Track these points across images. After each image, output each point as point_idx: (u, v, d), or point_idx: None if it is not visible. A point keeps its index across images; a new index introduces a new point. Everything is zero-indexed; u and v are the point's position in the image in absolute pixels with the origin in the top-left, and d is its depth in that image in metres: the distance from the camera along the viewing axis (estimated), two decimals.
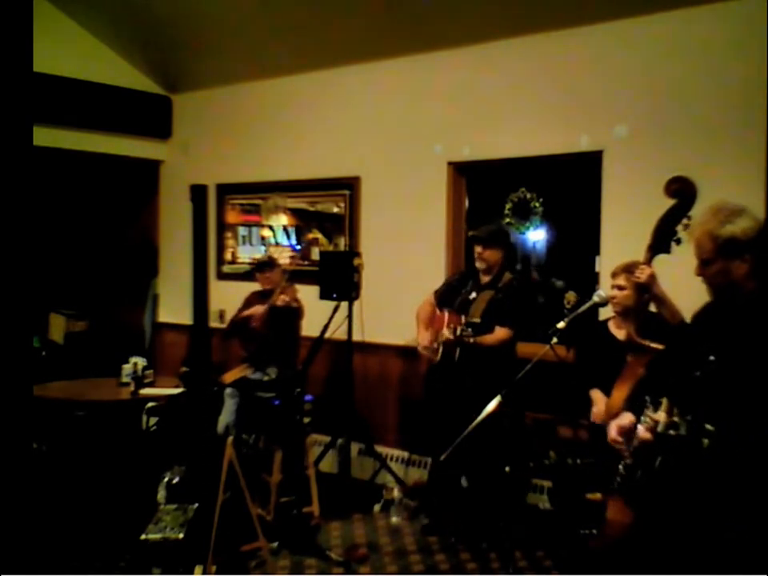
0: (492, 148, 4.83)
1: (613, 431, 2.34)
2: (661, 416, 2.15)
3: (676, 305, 3.24)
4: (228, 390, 4.81)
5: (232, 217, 6.32)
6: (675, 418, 2.11)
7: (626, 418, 2.31)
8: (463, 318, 4.07)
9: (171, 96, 6.55)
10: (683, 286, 3.47)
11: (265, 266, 5.16)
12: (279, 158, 5.88)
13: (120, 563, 3.57)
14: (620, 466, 2.33)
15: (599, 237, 4.42)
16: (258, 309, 4.99)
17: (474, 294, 4.21)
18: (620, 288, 3.55)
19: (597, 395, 3.57)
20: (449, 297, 4.33)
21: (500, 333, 4.07)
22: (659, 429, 2.14)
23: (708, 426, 2.03)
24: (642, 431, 2.22)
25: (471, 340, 3.96)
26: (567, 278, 6.17)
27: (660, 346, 2.89)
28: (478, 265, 4.23)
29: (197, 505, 3.34)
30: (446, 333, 4.03)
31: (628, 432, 2.28)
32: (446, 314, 4.18)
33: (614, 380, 2.95)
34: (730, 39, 3.96)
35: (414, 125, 5.16)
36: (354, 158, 5.47)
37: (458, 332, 3.94)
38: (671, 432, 2.11)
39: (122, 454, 4.65)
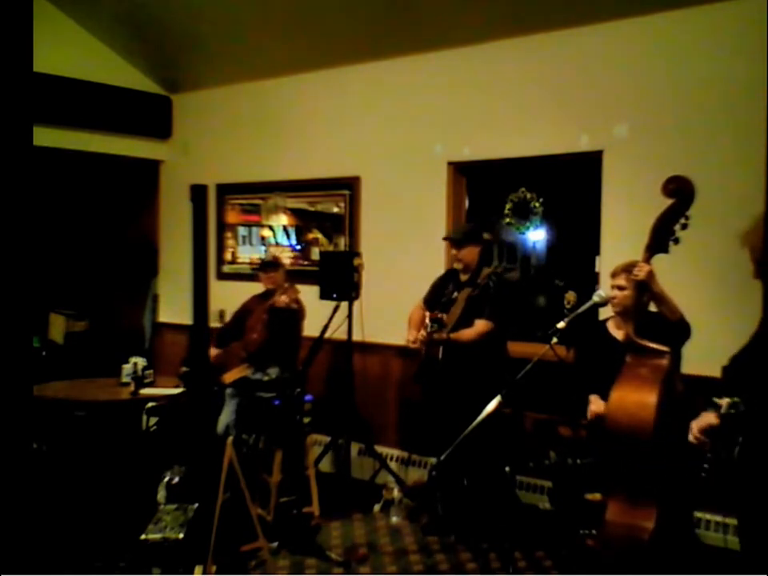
0: (492, 148, 4.83)
1: (695, 429, 2.44)
2: (724, 400, 2.30)
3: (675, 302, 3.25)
4: (228, 390, 4.81)
5: (232, 217, 6.32)
6: (735, 398, 2.26)
7: (710, 417, 2.39)
8: (427, 315, 4.11)
9: (171, 96, 6.56)
10: (683, 286, 3.50)
11: (269, 265, 5.15)
12: (279, 157, 5.89)
13: (120, 563, 3.57)
14: (708, 455, 2.42)
15: (599, 237, 4.43)
16: (211, 352, 4.92)
17: (456, 294, 4.26)
18: (620, 288, 3.54)
19: (595, 396, 3.57)
20: (435, 299, 4.37)
21: (479, 325, 4.10)
22: (722, 410, 2.30)
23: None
24: (710, 418, 2.36)
25: (444, 336, 4.00)
26: (567, 278, 6.17)
27: (658, 346, 2.89)
28: (456, 265, 4.31)
29: (197, 505, 3.35)
30: (422, 332, 4.09)
31: (710, 430, 2.40)
32: (428, 315, 4.22)
33: (613, 380, 2.94)
34: (731, 39, 3.97)
35: (414, 125, 5.16)
36: (354, 158, 5.47)
37: (428, 328, 4.00)
38: (732, 411, 2.26)
39: (122, 454, 4.65)
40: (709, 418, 2.39)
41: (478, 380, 3.92)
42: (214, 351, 4.99)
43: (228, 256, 6.36)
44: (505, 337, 4.25)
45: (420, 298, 4.49)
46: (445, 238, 4.49)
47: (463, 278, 4.30)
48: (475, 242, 4.27)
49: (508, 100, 4.75)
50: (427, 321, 4.06)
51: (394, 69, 5.24)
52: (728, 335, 3.71)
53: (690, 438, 2.44)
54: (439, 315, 4.05)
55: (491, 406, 2.98)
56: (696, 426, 2.45)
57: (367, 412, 5.23)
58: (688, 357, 3.33)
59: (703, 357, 3.45)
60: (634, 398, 2.80)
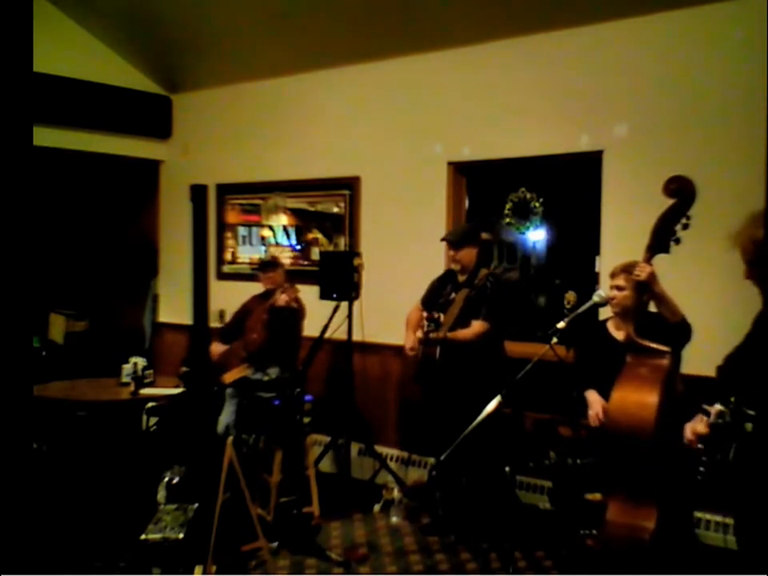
0: (492, 148, 4.83)
1: (688, 433, 2.44)
2: (713, 408, 2.29)
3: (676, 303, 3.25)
4: (228, 390, 4.81)
5: (232, 217, 6.32)
6: (722, 407, 2.25)
7: (700, 425, 2.39)
8: (425, 314, 4.12)
9: (171, 96, 6.55)
10: (683, 286, 3.49)
11: (268, 266, 5.16)
12: (279, 157, 5.88)
13: (120, 563, 3.57)
14: (703, 458, 2.41)
15: (599, 237, 4.43)
16: (217, 348, 4.96)
17: (453, 294, 4.26)
18: (619, 289, 3.54)
19: (593, 397, 3.56)
20: (433, 299, 4.37)
21: (475, 326, 4.10)
22: (711, 419, 2.30)
23: (749, 411, 2.17)
24: (700, 426, 2.36)
25: (442, 335, 4.00)
26: (567, 278, 6.17)
27: (659, 346, 2.89)
28: (453, 266, 4.32)
29: (197, 505, 3.34)
30: (419, 333, 4.10)
31: (701, 437, 2.40)
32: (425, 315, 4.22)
33: (613, 381, 2.94)
34: (731, 39, 3.96)
35: (414, 125, 5.16)
36: (354, 158, 5.47)
37: (425, 328, 4.01)
38: (719, 421, 2.26)
39: (122, 454, 4.65)
40: (698, 426, 2.39)
41: (475, 380, 3.92)
42: (220, 348, 5.00)
43: (228, 256, 6.36)
44: (502, 337, 4.25)
45: (419, 298, 4.49)
46: (443, 239, 4.49)
47: (461, 278, 4.30)
48: (473, 244, 4.27)
49: (508, 100, 4.75)
50: (424, 321, 4.07)
51: (394, 69, 5.24)
52: (729, 335, 3.72)
53: (685, 440, 2.45)
54: (436, 315, 4.05)
55: (491, 406, 2.98)
56: (689, 430, 2.45)
57: (367, 412, 5.23)
58: (688, 357, 3.32)
59: (703, 357, 3.44)
60: (634, 398, 2.80)
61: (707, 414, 2.35)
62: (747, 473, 2.23)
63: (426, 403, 4.41)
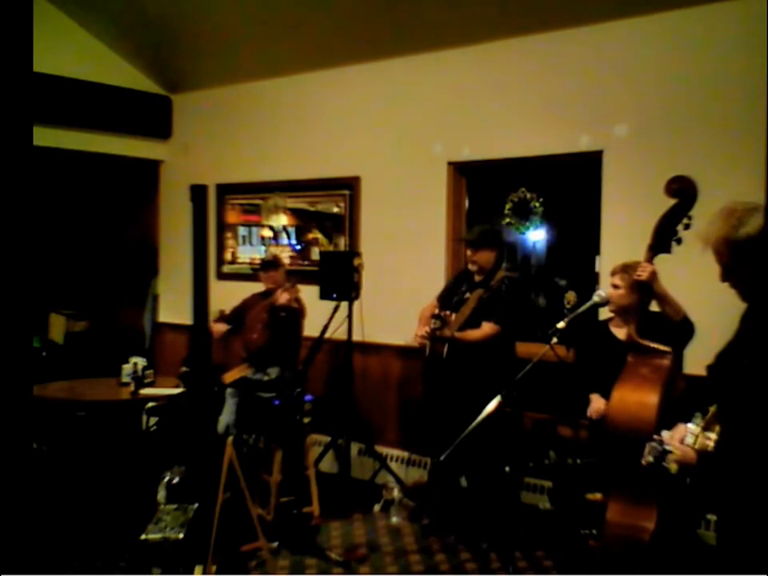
0: (492, 148, 4.83)
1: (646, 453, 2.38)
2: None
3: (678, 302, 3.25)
4: (228, 390, 4.81)
5: (232, 217, 6.32)
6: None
7: (680, 431, 2.34)
8: (435, 311, 4.11)
9: (171, 96, 6.56)
10: (684, 286, 3.49)
11: (269, 265, 5.16)
12: (279, 157, 5.89)
13: (120, 563, 3.57)
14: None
15: (599, 237, 4.43)
16: (220, 327, 5.03)
17: (468, 294, 4.24)
18: (615, 287, 3.54)
19: (596, 396, 3.57)
20: (448, 298, 4.36)
21: (485, 327, 4.09)
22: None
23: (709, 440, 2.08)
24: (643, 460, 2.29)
25: (449, 334, 4.00)
26: (567, 278, 6.16)
27: (660, 346, 2.89)
28: (470, 267, 4.27)
29: (197, 505, 3.34)
30: (427, 328, 4.10)
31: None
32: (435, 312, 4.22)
33: (614, 380, 2.94)
34: (731, 39, 3.97)
35: (414, 125, 5.16)
36: (354, 158, 5.47)
37: (431, 325, 4.01)
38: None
39: (122, 454, 4.65)
40: (677, 433, 2.33)
41: (481, 380, 3.91)
42: (222, 327, 5.03)
43: (228, 256, 6.36)
44: (513, 339, 4.22)
45: (420, 297, 4.50)
46: (460, 240, 4.43)
47: (477, 278, 4.26)
48: (492, 246, 4.20)
49: (508, 100, 4.75)
50: (432, 318, 4.07)
51: (394, 69, 5.24)
52: (730, 335, 3.70)
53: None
54: (443, 313, 4.04)
55: (491, 406, 2.98)
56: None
57: (367, 412, 5.23)
58: (690, 357, 3.32)
59: (705, 357, 3.44)
60: (635, 398, 2.80)
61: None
62: (722, 486, 2.17)
63: (429, 402, 4.39)
